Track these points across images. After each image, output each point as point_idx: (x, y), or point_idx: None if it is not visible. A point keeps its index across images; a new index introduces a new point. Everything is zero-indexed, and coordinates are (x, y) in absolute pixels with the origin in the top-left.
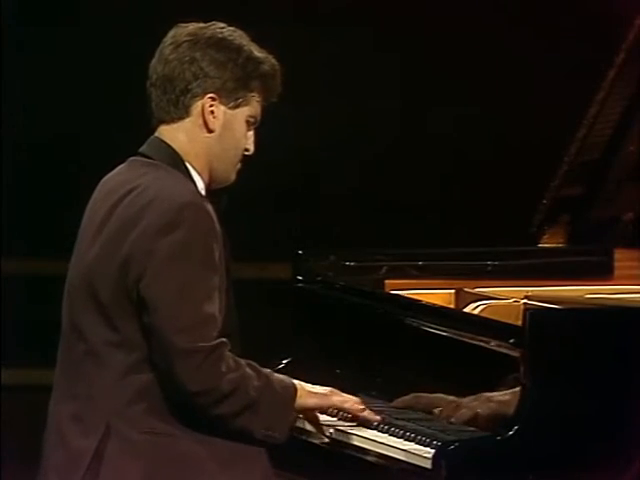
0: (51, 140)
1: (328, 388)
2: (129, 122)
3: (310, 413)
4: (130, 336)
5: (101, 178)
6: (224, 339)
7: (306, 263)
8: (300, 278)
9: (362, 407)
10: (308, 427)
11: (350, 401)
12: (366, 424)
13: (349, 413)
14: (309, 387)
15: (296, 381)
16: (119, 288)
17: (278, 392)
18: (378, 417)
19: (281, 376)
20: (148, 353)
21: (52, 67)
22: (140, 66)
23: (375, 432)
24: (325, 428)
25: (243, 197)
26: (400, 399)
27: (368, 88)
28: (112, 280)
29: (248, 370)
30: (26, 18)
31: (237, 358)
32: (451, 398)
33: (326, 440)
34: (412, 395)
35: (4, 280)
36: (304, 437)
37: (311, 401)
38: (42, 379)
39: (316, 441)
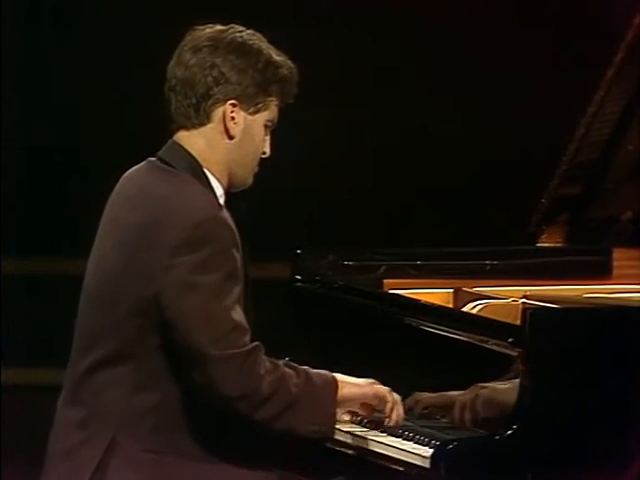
0: (51, 140)
1: (368, 380)
2: (129, 124)
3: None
4: (141, 352)
5: (101, 179)
6: (258, 343)
7: (305, 262)
8: (299, 277)
9: (399, 408)
10: None
11: (391, 401)
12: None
13: (383, 410)
14: (348, 378)
15: (334, 373)
16: (137, 302)
17: (318, 386)
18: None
19: (320, 371)
20: (158, 370)
21: (52, 69)
22: (141, 69)
23: (373, 431)
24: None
25: (242, 197)
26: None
27: (368, 89)
28: (131, 293)
29: (286, 370)
30: (26, 20)
31: (273, 359)
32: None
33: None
34: (413, 396)
35: (4, 280)
36: None
37: (354, 390)
38: (42, 379)
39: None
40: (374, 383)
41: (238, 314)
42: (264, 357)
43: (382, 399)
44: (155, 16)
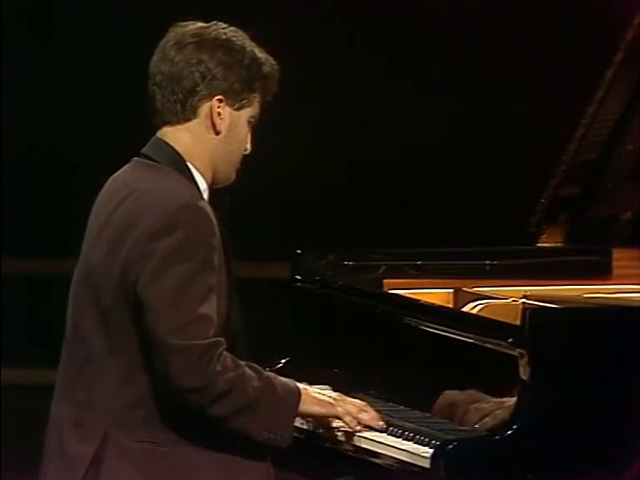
0: (51, 140)
1: (335, 394)
2: (128, 125)
3: (312, 419)
4: (128, 342)
5: (99, 178)
6: (220, 338)
7: (305, 262)
8: (299, 277)
9: (365, 417)
10: (305, 427)
11: (350, 415)
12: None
13: (348, 424)
14: (315, 393)
15: (302, 385)
16: (119, 292)
17: (279, 394)
18: (381, 422)
19: (286, 380)
20: (146, 360)
21: (52, 69)
22: (141, 69)
23: (373, 431)
24: (324, 427)
25: (241, 196)
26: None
27: (364, 89)
28: (113, 283)
29: (248, 371)
30: (26, 22)
31: (236, 359)
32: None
33: (324, 439)
34: (446, 399)
35: (4, 280)
36: (302, 436)
37: (315, 409)
38: (42, 379)
39: (314, 440)
40: (338, 401)
41: (208, 306)
42: (225, 353)
43: (341, 418)
44: (155, 16)
